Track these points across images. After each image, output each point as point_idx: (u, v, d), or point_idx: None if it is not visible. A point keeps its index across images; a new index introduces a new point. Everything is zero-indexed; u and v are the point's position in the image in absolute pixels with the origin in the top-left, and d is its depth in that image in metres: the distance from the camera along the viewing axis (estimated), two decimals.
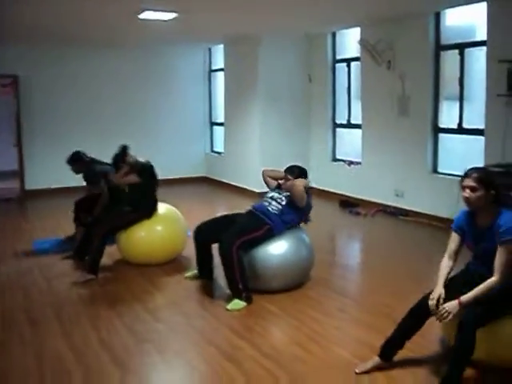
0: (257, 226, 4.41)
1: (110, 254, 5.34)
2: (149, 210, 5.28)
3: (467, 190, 2.95)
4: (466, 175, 2.99)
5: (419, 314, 3.08)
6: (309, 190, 4.64)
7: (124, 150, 5.29)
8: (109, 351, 3.49)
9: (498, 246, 2.91)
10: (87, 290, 4.64)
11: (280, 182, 4.73)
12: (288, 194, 4.59)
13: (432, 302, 2.98)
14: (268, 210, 4.54)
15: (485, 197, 2.94)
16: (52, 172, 9.10)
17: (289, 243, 4.45)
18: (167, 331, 3.82)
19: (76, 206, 5.97)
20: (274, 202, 4.60)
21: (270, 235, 4.43)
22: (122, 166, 5.25)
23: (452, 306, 2.90)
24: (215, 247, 4.47)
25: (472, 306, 2.86)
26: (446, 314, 2.90)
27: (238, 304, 4.20)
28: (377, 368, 3.14)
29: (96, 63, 9.57)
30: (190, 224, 6.38)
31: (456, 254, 3.18)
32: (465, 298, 2.89)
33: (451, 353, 2.86)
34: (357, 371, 3.14)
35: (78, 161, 5.93)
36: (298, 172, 4.68)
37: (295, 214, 4.58)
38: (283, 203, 4.57)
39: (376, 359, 3.17)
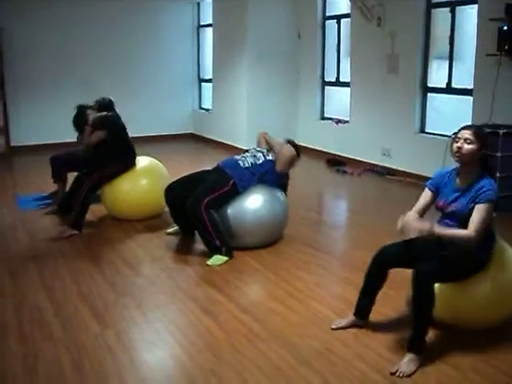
0: (223, 183, 4.36)
1: (94, 212, 5.32)
2: (130, 158, 5.24)
3: (461, 141, 2.89)
4: (463, 128, 2.96)
5: (379, 264, 3.07)
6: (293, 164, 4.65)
7: (82, 111, 5.27)
8: (88, 305, 3.51)
9: (476, 205, 2.85)
10: (70, 245, 4.63)
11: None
12: (271, 158, 4.57)
13: (405, 218, 2.89)
14: (238, 163, 4.51)
15: (476, 152, 2.88)
16: (38, 128, 8.99)
17: (263, 199, 4.43)
18: (147, 286, 3.83)
19: (52, 162, 5.86)
20: (249, 159, 4.57)
21: (235, 192, 4.39)
22: (84, 128, 5.22)
23: (423, 224, 2.83)
24: None
25: (429, 260, 2.84)
26: (412, 226, 2.82)
27: (218, 259, 4.20)
28: (352, 326, 3.17)
29: (82, 16, 9.28)
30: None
31: (423, 212, 3.09)
32: (439, 228, 2.83)
33: (412, 310, 2.84)
34: (332, 327, 3.17)
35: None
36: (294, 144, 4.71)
37: (271, 176, 4.56)
38: (259, 161, 4.55)
39: (351, 317, 3.20)
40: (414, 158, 7.01)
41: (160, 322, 3.29)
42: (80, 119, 5.33)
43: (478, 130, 2.96)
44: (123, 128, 5.34)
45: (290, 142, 4.75)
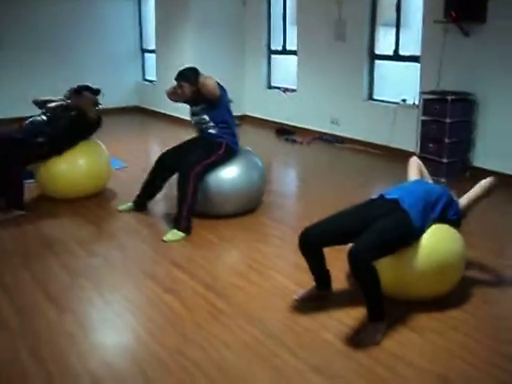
0: (215, 147, 4.37)
1: (28, 190, 5.02)
2: (61, 148, 4.95)
3: None
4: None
5: (307, 247, 3.03)
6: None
7: (98, 92, 5.18)
8: (43, 290, 3.36)
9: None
10: (16, 228, 4.40)
11: (179, 92, 4.46)
12: (200, 107, 4.44)
13: None
14: (208, 132, 4.45)
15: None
16: None
17: (241, 167, 4.46)
18: (103, 266, 3.71)
19: None
20: (203, 126, 4.48)
21: (230, 151, 4.43)
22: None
23: None
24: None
25: (364, 237, 2.79)
26: None
27: (175, 234, 4.13)
28: (315, 296, 3.17)
29: None
30: (123, 156, 6.19)
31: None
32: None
33: (359, 287, 2.81)
34: (295, 297, 3.17)
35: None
36: (192, 73, 4.38)
37: (220, 110, 4.46)
38: (206, 116, 4.44)
39: (313, 287, 3.19)
40: (362, 126, 7.07)
41: (119, 303, 3.20)
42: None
43: None
44: (87, 129, 5.14)
45: (181, 76, 4.42)
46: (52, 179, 4.96)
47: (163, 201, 4.92)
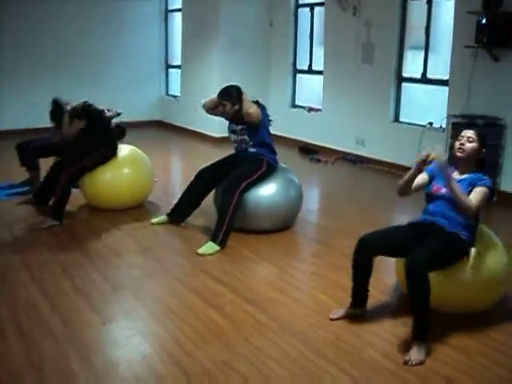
0: (258, 165, 4.45)
1: (72, 200, 5.12)
2: (111, 147, 5.07)
3: (464, 139, 3.15)
4: (467, 128, 3.26)
5: (362, 253, 3.11)
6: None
7: (57, 104, 5.14)
8: (85, 299, 3.42)
9: (475, 188, 3.07)
10: (53, 237, 4.48)
11: (219, 109, 4.52)
12: (240, 127, 4.52)
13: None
14: (247, 150, 4.53)
15: (477, 151, 3.15)
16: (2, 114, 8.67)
17: (279, 184, 4.54)
18: (143, 277, 3.76)
19: (19, 149, 5.64)
20: (243, 145, 4.56)
21: (271, 168, 4.51)
22: (62, 119, 5.05)
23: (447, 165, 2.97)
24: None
25: (420, 250, 2.89)
26: (433, 153, 2.95)
27: (210, 247, 4.18)
28: (351, 315, 3.19)
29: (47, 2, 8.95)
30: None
31: (416, 187, 3.23)
32: (453, 180, 2.99)
33: (410, 300, 2.89)
34: (331, 317, 3.20)
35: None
36: (236, 93, 4.41)
37: (260, 132, 4.53)
38: (247, 138, 4.52)
39: (347, 307, 3.22)
40: (387, 147, 7.12)
41: (164, 315, 3.24)
42: (57, 113, 5.15)
43: (480, 132, 3.24)
44: (101, 116, 5.19)
45: (224, 93, 4.47)
46: (96, 189, 5.04)
47: (196, 215, 4.96)
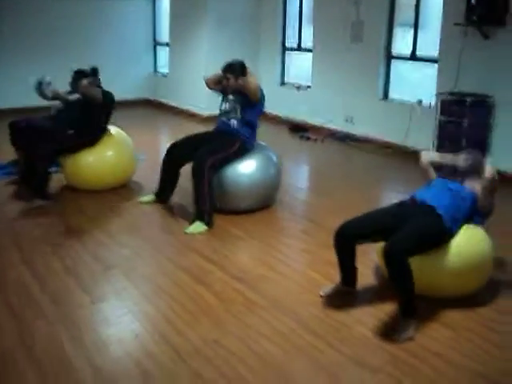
0: (229, 143, 4.38)
1: (55, 181, 5.09)
2: (92, 137, 5.01)
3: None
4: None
5: (343, 241, 3.09)
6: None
7: (95, 72, 5.14)
8: (75, 278, 3.42)
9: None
10: (43, 217, 4.45)
11: (223, 82, 4.53)
12: (236, 96, 4.50)
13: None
14: (230, 125, 4.49)
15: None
16: None
17: (257, 163, 4.48)
18: (133, 256, 3.76)
19: (11, 128, 5.56)
20: (231, 114, 4.52)
21: (244, 150, 4.44)
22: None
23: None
24: (183, 170, 4.44)
25: (397, 236, 2.86)
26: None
27: (199, 227, 4.18)
28: (340, 292, 3.22)
29: None
30: (139, 148, 6.22)
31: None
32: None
33: (393, 285, 2.90)
34: (321, 294, 3.23)
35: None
36: (240, 68, 4.47)
37: (253, 111, 4.53)
38: (239, 110, 4.50)
39: (338, 284, 3.25)
40: (377, 125, 7.12)
41: (155, 294, 3.25)
42: (76, 84, 5.08)
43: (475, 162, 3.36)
44: (111, 112, 5.21)
45: (229, 68, 4.50)
46: (78, 170, 4.99)
47: (183, 192, 4.93)
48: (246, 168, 4.45)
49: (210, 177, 4.24)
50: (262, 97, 4.56)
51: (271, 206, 4.74)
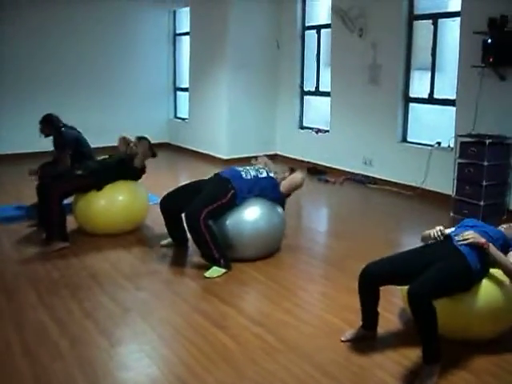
0: (221, 193, 4.31)
1: (69, 222, 5.08)
2: (101, 183, 5.03)
3: None
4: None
5: (367, 283, 3.07)
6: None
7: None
8: (93, 321, 3.41)
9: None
10: (61, 259, 4.49)
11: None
12: (273, 176, 4.62)
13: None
14: (240, 174, 4.47)
15: None
16: (11, 137, 8.76)
17: (261, 211, 4.39)
18: (151, 299, 3.76)
19: (42, 171, 5.69)
20: (251, 172, 4.54)
21: (234, 202, 4.35)
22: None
23: (477, 235, 2.99)
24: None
25: (421, 280, 2.81)
26: (469, 236, 2.98)
27: (216, 271, 4.16)
28: (361, 337, 3.16)
29: (56, 23, 9.05)
30: (156, 192, 6.30)
31: None
32: (492, 248, 2.96)
33: (417, 328, 2.83)
34: (342, 339, 3.17)
35: (48, 122, 5.71)
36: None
37: (271, 192, 4.55)
38: (262, 175, 4.55)
39: (360, 328, 3.20)
40: (395, 167, 7.12)
41: (172, 338, 3.23)
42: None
43: None
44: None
45: (295, 170, 4.84)
46: (90, 215, 5.02)
47: None
48: (249, 216, 4.35)
49: (207, 226, 4.15)
50: (286, 197, 4.77)
51: (292, 249, 4.71)
